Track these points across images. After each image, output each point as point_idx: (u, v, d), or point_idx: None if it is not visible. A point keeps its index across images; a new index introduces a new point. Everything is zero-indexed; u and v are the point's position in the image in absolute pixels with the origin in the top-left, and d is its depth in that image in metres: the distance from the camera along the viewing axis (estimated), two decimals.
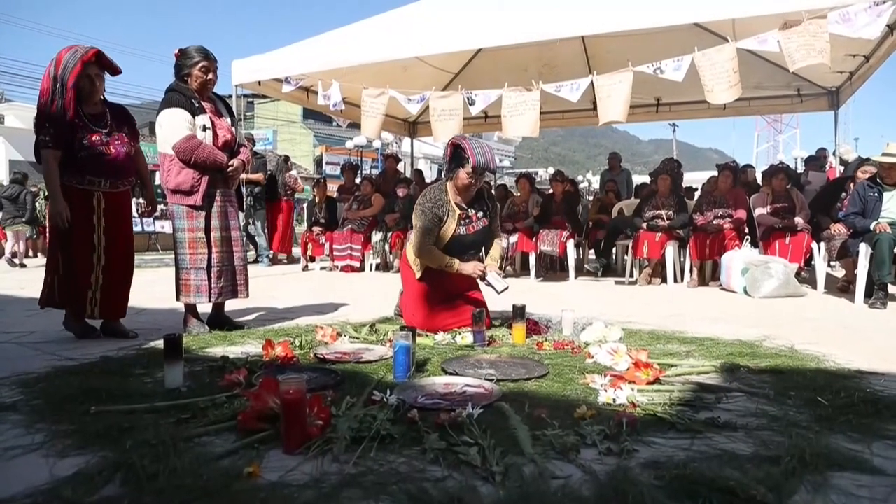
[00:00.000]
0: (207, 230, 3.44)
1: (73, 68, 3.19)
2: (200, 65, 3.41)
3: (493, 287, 3.35)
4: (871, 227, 4.63)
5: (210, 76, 3.46)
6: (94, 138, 3.29)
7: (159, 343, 2.49)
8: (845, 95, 7.70)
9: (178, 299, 3.50)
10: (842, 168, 8.21)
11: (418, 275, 3.45)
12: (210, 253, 3.45)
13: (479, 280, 3.44)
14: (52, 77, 3.20)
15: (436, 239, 3.34)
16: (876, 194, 4.79)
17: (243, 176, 3.69)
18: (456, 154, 3.34)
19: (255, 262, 8.22)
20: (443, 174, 3.51)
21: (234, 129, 3.60)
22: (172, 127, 3.31)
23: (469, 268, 3.34)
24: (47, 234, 3.43)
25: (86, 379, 2.40)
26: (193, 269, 3.42)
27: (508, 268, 7.18)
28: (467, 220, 3.41)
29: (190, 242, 3.41)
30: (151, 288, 5.68)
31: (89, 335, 3.38)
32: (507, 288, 3.36)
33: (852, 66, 6.67)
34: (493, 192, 3.72)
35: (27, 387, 2.31)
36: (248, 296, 3.67)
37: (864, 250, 4.69)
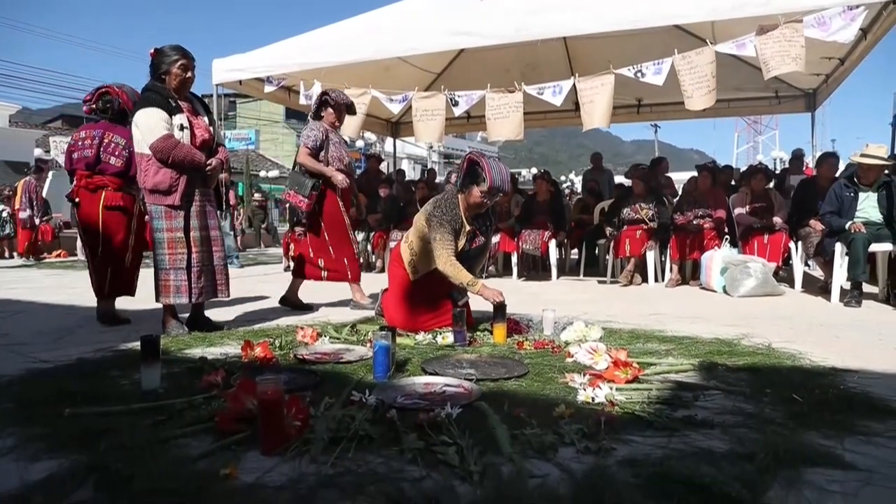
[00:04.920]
0: (186, 230, 3.40)
1: None
2: (179, 63, 3.37)
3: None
4: (847, 226, 4.71)
5: (189, 74, 3.43)
6: None
7: (137, 344, 2.45)
8: (822, 97, 7.83)
9: (157, 300, 3.46)
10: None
11: (413, 278, 3.42)
12: (190, 253, 3.41)
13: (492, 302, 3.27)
14: None
15: (455, 251, 3.30)
16: (851, 194, 4.86)
17: (221, 175, 3.67)
18: (472, 170, 3.29)
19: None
20: (448, 182, 3.49)
21: (211, 128, 3.57)
22: (149, 127, 3.27)
23: (489, 293, 3.18)
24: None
25: (60, 381, 2.36)
26: (173, 269, 3.38)
27: (491, 268, 7.20)
28: (473, 235, 3.41)
29: (169, 242, 3.37)
30: None
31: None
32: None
33: (828, 69, 6.78)
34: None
35: None
36: (228, 295, 3.64)
37: (839, 249, 4.76)
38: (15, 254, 10.61)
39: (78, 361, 2.74)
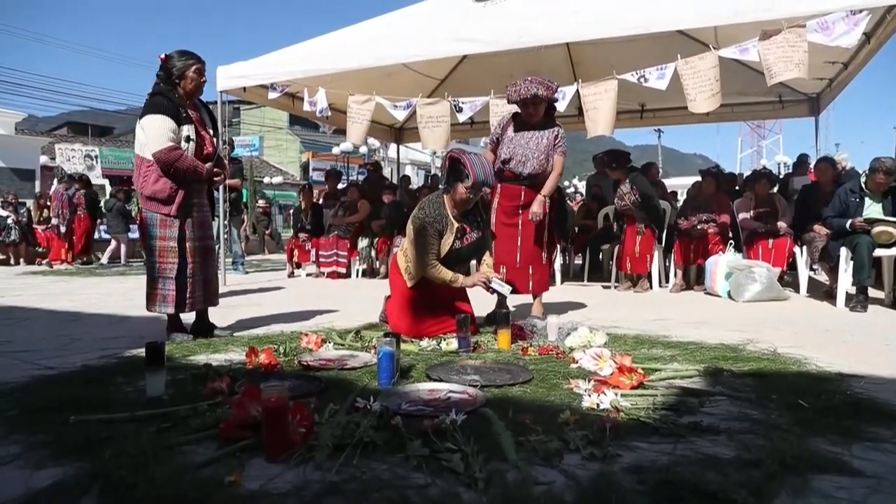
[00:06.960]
0: (182, 240, 3.36)
1: None
2: (195, 66, 3.36)
3: (499, 292, 3.41)
4: (847, 225, 4.67)
5: (203, 78, 3.43)
6: None
7: (141, 351, 2.45)
8: (825, 101, 7.81)
9: (147, 308, 3.43)
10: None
11: (410, 284, 3.44)
12: (185, 263, 3.38)
13: (484, 288, 3.43)
14: None
15: (436, 254, 3.34)
16: (857, 199, 4.84)
17: (234, 181, 3.69)
18: (454, 168, 3.33)
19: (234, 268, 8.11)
20: (440, 186, 3.51)
21: (215, 140, 3.56)
22: (155, 134, 3.23)
23: (471, 280, 3.39)
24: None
25: (65, 388, 2.37)
26: (161, 278, 3.35)
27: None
28: (462, 233, 3.42)
29: (160, 251, 3.34)
30: (134, 295, 5.62)
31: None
32: (511, 289, 3.44)
33: (831, 73, 6.77)
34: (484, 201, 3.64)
35: (3, 397, 2.27)
36: (216, 304, 3.63)
37: (844, 254, 4.74)
38: (21, 260, 10.68)
39: (83, 368, 2.74)
